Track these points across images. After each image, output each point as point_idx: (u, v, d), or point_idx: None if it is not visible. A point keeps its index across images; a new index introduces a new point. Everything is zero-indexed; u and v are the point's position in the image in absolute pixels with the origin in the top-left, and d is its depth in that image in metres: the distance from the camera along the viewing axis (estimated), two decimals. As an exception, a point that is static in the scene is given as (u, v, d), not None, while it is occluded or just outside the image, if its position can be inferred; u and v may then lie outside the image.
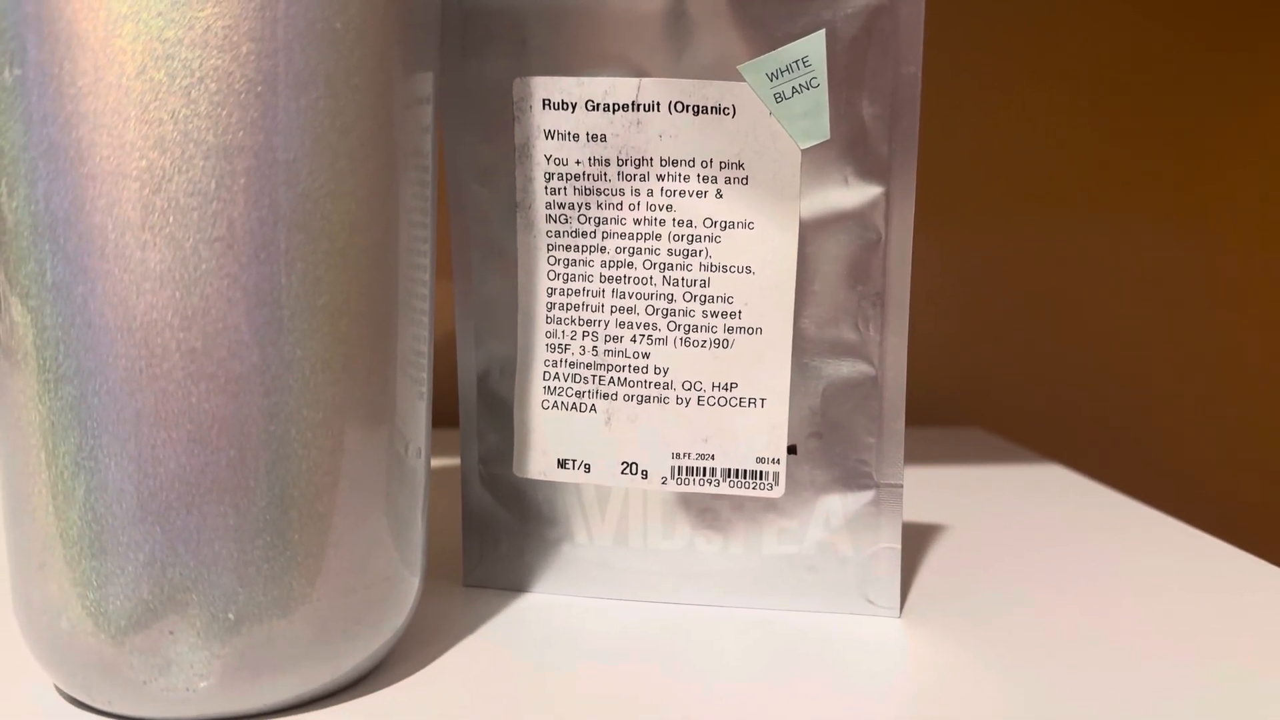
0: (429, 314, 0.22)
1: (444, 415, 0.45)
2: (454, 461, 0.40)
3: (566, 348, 0.26)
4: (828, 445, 0.26)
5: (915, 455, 0.43)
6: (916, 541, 0.32)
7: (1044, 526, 0.33)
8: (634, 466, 0.26)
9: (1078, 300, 0.50)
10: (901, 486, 0.25)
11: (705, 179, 0.25)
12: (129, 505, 0.19)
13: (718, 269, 0.25)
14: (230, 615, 0.19)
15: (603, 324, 0.26)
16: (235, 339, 0.18)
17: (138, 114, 0.18)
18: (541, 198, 0.26)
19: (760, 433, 0.25)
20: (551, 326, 0.26)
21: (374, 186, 0.20)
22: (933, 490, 0.37)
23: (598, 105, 0.25)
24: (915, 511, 0.35)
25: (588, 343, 0.26)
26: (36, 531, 0.19)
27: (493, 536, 0.27)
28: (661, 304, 0.25)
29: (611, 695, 0.22)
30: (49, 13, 0.17)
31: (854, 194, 0.25)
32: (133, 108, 0.18)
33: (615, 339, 0.26)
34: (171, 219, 0.18)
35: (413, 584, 0.22)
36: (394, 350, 0.21)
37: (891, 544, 0.26)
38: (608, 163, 0.25)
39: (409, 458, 0.22)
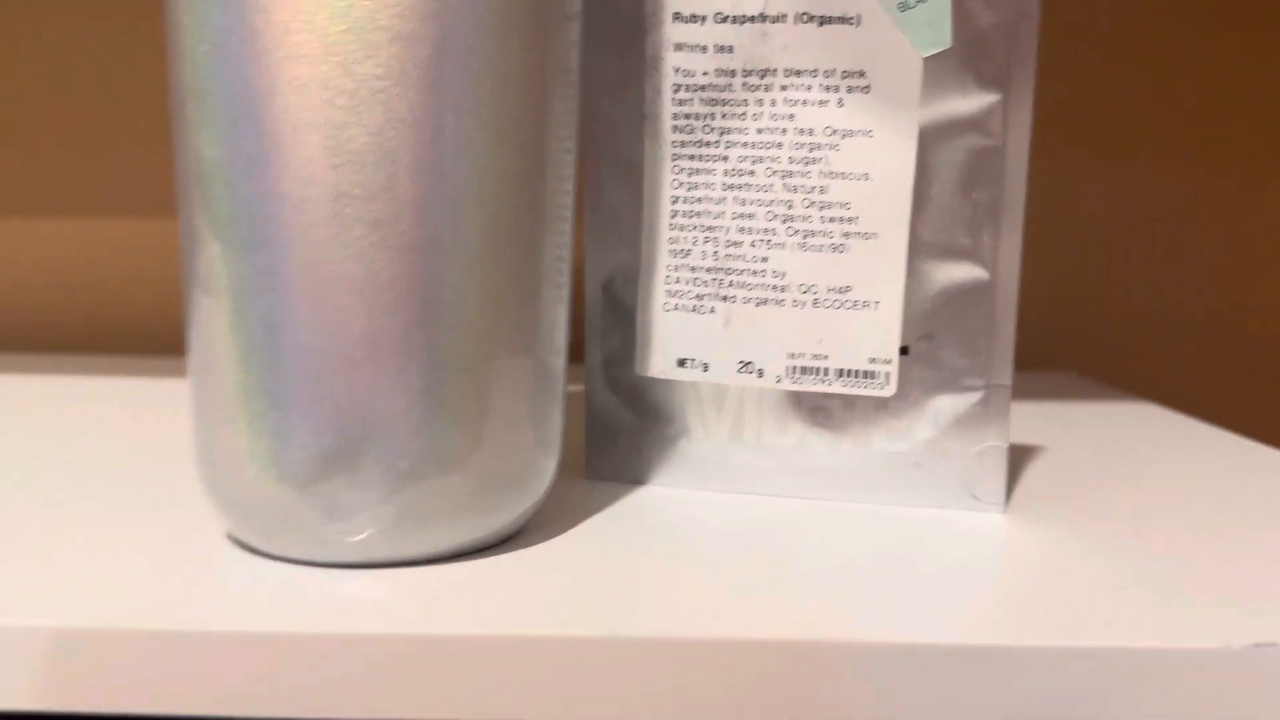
0: (571, 223, 0.24)
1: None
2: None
3: (688, 253, 0.28)
4: (938, 347, 0.27)
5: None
6: (1015, 458, 0.33)
7: (1141, 450, 0.34)
8: (750, 365, 0.28)
9: (1177, 247, 0.50)
10: (1009, 386, 0.27)
11: (827, 88, 0.26)
12: (314, 363, 0.20)
13: (836, 176, 0.26)
14: (404, 465, 0.21)
15: (724, 230, 0.27)
16: (416, 213, 0.20)
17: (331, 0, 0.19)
18: (669, 109, 0.27)
19: (873, 334, 0.27)
20: (674, 233, 0.28)
21: (529, 86, 0.21)
22: (1029, 423, 0.38)
23: (726, 17, 0.26)
24: (1012, 436, 0.36)
25: (709, 248, 0.27)
26: (225, 387, 0.21)
27: (612, 432, 0.29)
28: (781, 210, 0.27)
29: (718, 576, 0.23)
30: (252, -90, 0.19)
31: (972, 101, 0.26)
32: (327, -5, 0.19)
33: (735, 244, 0.27)
34: (360, 100, 0.20)
35: (551, 463, 0.24)
36: (542, 248, 0.22)
37: (998, 442, 0.27)
38: (733, 74, 0.26)
39: (552, 353, 0.23)
